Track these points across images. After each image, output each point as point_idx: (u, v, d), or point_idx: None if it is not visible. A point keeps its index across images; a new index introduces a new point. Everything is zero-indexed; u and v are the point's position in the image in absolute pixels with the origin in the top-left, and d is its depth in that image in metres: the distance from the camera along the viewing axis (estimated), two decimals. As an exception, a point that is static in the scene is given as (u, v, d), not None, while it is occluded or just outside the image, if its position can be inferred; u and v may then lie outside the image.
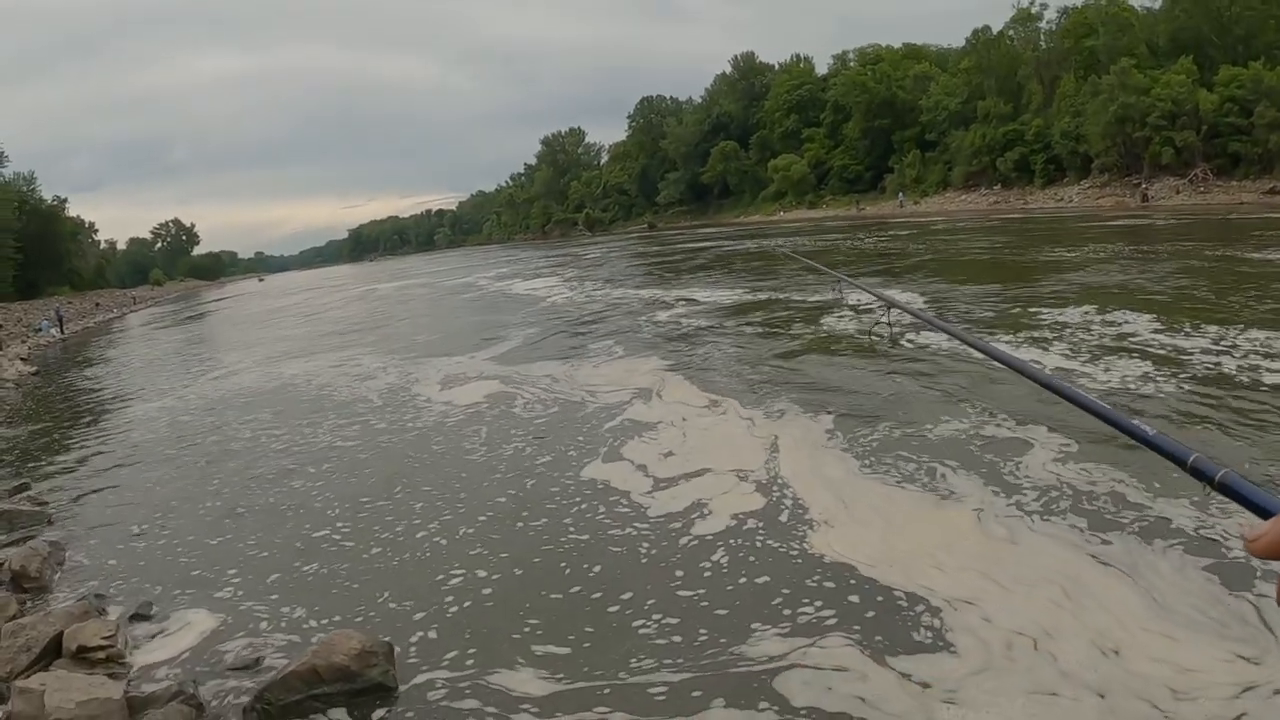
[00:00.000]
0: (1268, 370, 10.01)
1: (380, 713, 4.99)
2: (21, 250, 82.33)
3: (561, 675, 5.11)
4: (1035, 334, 13.58)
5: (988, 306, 17.19)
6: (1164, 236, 29.11)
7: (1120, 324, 13.60)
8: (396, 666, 5.34)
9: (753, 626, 5.43)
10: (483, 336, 21.75)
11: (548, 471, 9.22)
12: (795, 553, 6.52)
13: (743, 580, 6.16)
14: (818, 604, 5.67)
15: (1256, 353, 10.80)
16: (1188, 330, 12.50)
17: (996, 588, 5.63)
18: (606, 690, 4.93)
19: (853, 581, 5.95)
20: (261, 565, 7.48)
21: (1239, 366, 10.30)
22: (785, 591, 5.90)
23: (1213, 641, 4.75)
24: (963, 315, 16.22)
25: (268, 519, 8.76)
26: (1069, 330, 13.58)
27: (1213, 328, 12.42)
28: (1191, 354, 11.11)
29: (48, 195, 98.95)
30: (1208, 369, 10.35)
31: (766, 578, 6.15)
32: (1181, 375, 10.17)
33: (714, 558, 6.57)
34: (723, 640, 5.30)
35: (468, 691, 5.06)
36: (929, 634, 5.15)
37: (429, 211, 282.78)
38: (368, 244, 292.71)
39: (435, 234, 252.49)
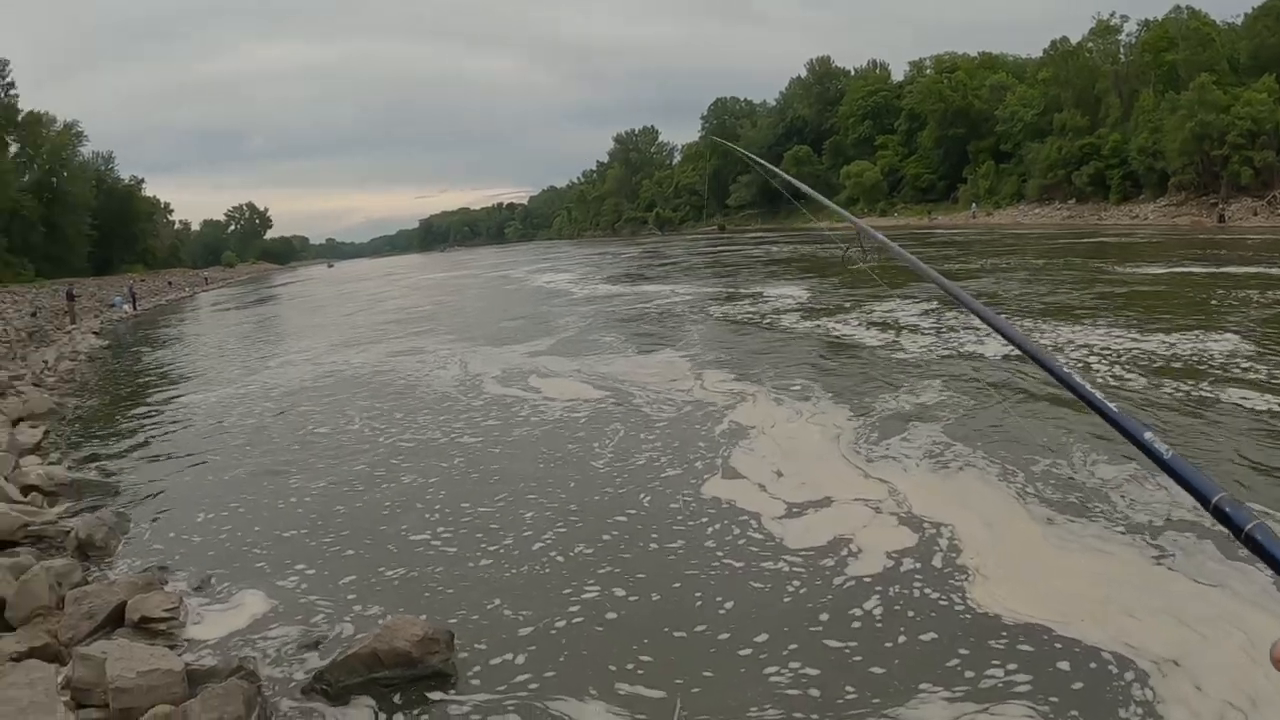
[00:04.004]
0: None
1: (437, 700, 5.01)
2: (98, 228, 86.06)
3: (645, 716, 4.73)
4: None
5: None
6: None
7: None
8: (456, 657, 5.37)
9: (914, 686, 4.80)
10: (562, 331, 21.92)
11: (662, 485, 8.71)
12: (957, 600, 5.81)
13: (900, 631, 5.46)
14: (993, 663, 4.97)
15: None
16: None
17: (1199, 640, 5.01)
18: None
19: (1028, 636, 5.25)
20: (323, 551, 7.57)
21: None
22: (951, 646, 5.22)
23: None
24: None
25: (331, 505, 8.85)
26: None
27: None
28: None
29: (125, 175, 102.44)
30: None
31: (928, 629, 5.46)
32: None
33: (868, 605, 5.83)
34: (875, 700, 4.72)
35: (529, 703, 4.93)
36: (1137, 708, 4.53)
37: (500, 204, 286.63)
38: (438, 234, 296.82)
39: (506, 227, 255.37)
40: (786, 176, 3.34)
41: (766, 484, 8.38)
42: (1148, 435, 1.34)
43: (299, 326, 33.44)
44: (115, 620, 5.99)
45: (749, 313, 22.66)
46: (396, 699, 5.04)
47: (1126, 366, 12.41)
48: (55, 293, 55.07)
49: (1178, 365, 12.21)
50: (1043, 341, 14.23)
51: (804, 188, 3.25)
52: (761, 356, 15.74)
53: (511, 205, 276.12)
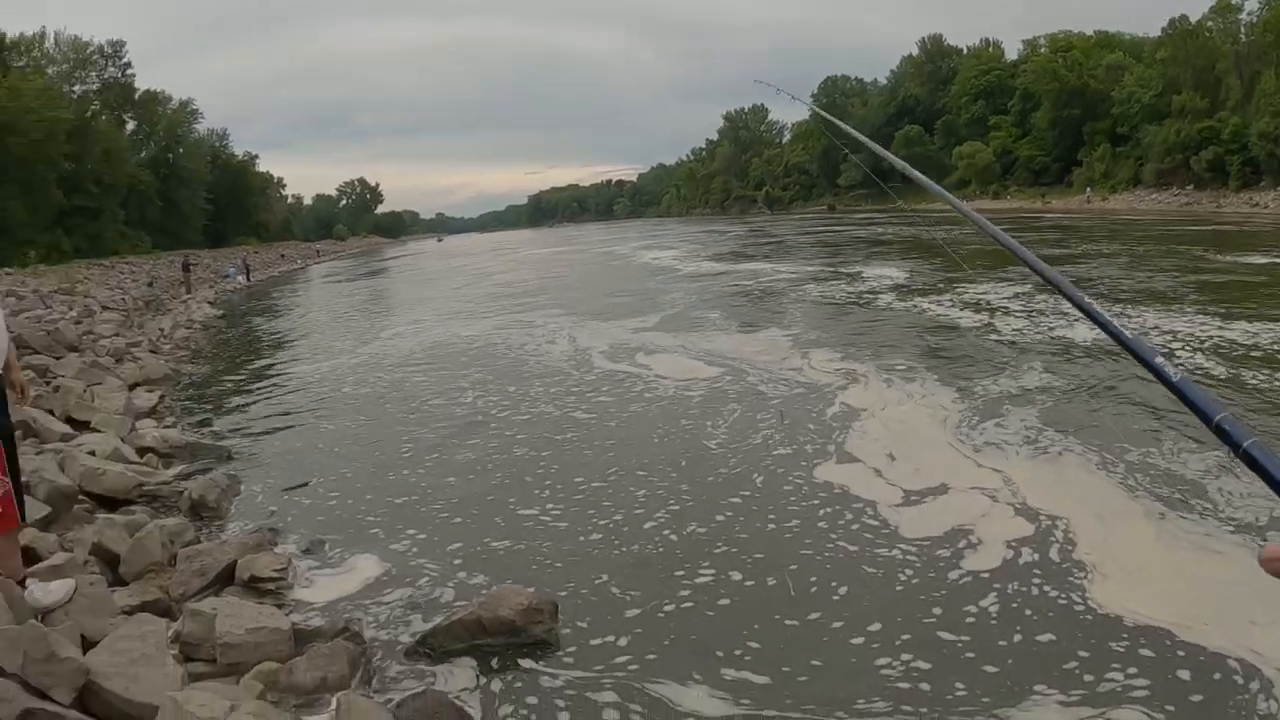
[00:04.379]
0: None
1: (538, 669, 4.98)
2: (212, 202, 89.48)
3: (749, 701, 4.55)
4: None
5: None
6: None
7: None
8: (559, 629, 5.33)
9: (1029, 687, 4.51)
10: (668, 307, 21.80)
11: (776, 466, 8.43)
12: (1075, 599, 5.45)
13: (1016, 628, 5.15)
14: (1112, 666, 4.64)
15: None
16: None
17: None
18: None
19: (1148, 639, 4.90)
20: (433, 519, 7.59)
21: None
22: (1068, 646, 4.87)
23: None
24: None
25: (443, 476, 8.87)
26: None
27: None
28: None
29: (239, 151, 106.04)
30: None
31: (1045, 628, 5.13)
32: None
33: (983, 601, 5.51)
34: (986, 699, 4.46)
35: (627, 683, 4.81)
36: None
37: (609, 181, 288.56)
38: (547, 211, 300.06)
39: (614, 204, 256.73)
40: (883, 152, 3.19)
41: (881, 468, 8.11)
42: (1158, 359, 1.44)
43: (409, 298, 33.97)
44: (225, 579, 6.08)
45: (852, 292, 22.33)
46: (497, 665, 5.03)
47: (1208, 353, 12.02)
48: (171, 264, 57.04)
49: (1257, 355, 11.73)
50: (1128, 325, 13.88)
51: (906, 167, 3.11)
52: (866, 336, 15.44)
53: (620, 182, 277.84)
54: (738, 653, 4.99)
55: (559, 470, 8.74)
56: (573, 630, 5.39)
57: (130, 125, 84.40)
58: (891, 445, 8.78)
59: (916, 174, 3.04)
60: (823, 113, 5.57)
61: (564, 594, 5.78)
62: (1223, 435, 1.27)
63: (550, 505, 7.71)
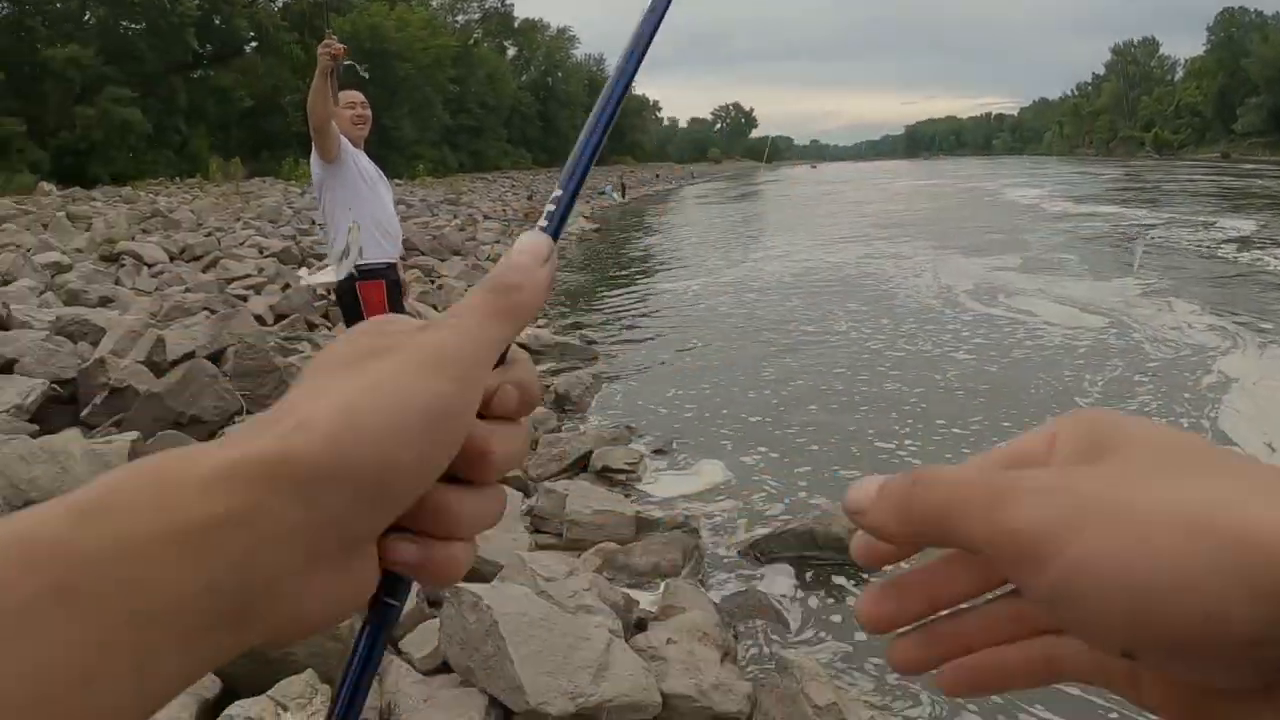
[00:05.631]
0: None
1: (855, 589, 5.07)
2: None
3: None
4: None
5: None
6: None
7: None
8: None
9: None
10: (1029, 248, 20.66)
11: None
12: None
13: None
14: None
15: None
16: None
17: None
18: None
19: None
20: (785, 440, 7.73)
21: None
22: None
23: None
24: None
25: (804, 401, 8.95)
26: None
27: None
28: None
29: None
30: None
31: None
32: None
33: None
34: None
35: None
36: None
37: (988, 115, 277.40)
38: (922, 142, 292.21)
39: (993, 139, 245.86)
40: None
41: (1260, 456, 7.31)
42: None
43: (779, 223, 34.24)
44: (580, 466, 6.65)
45: (1241, 254, 19.86)
46: (819, 578, 5.19)
47: None
48: (549, 179, 60.32)
49: None
50: None
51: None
52: (1247, 300, 13.71)
53: (1000, 116, 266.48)
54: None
55: (925, 410, 8.53)
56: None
57: (511, 51, 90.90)
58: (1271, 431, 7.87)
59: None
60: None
61: None
62: None
63: (909, 442, 7.63)
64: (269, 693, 3.02)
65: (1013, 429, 7.78)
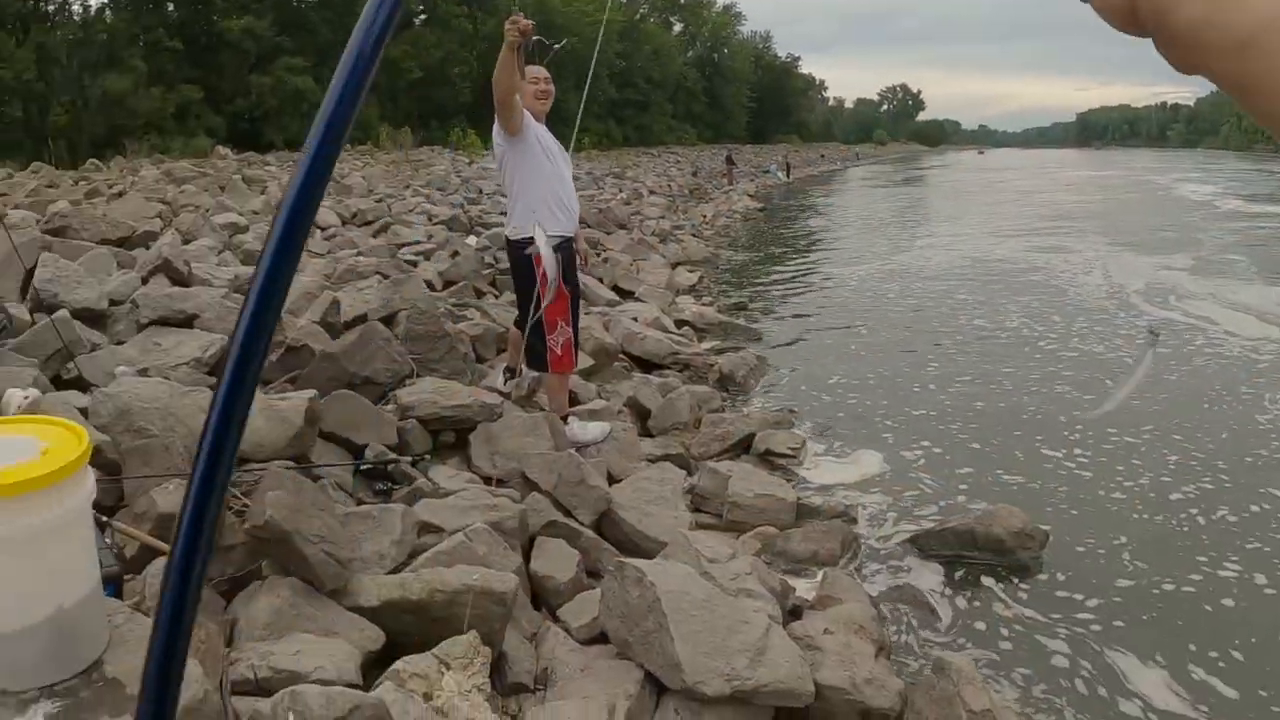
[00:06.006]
0: None
1: (1008, 594, 4.93)
2: (755, 100, 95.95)
3: (1205, 709, 4.05)
4: None
5: None
6: None
7: None
8: (1045, 558, 5.26)
9: None
10: (1199, 248, 19.41)
11: None
12: None
13: None
14: None
15: None
16: None
17: None
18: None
19: None
20: (948, 437, 7.55)
21: None
22: None
23: None
24: None
25: (969, 399, 8.69)
26: None
27: None
28: None
29: (781, 53, 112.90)
30: None
31: None
32: None
33: None
34: None
35: (1084, 639, 4.53)
36: None
37: (1163, 104, 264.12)
38: (1094, 130, 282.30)
39: (1168, 129, 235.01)
40: None
41: None
42: None
43: (944, 211, 33.47)
44: (742, 447, 6.63)
45: None
46: (974, 579, 5.07)
47: None
48: (714, 156, 60.57)
49: None
50: None
51: None
52: None
53: (1175, 106, 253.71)
54: (1216, 657, 4.44)
55: (1094, 420, 8.15)
56: (1052, 568, 5.24)
57: (677, 27, 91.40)
58: None
59: None
60: None
61: (1056, 533, 5.55)
62: None
63: (1077, 450, 7.28)
64: (433, 651, 3.08)
65: (1186, 444, 7.37)
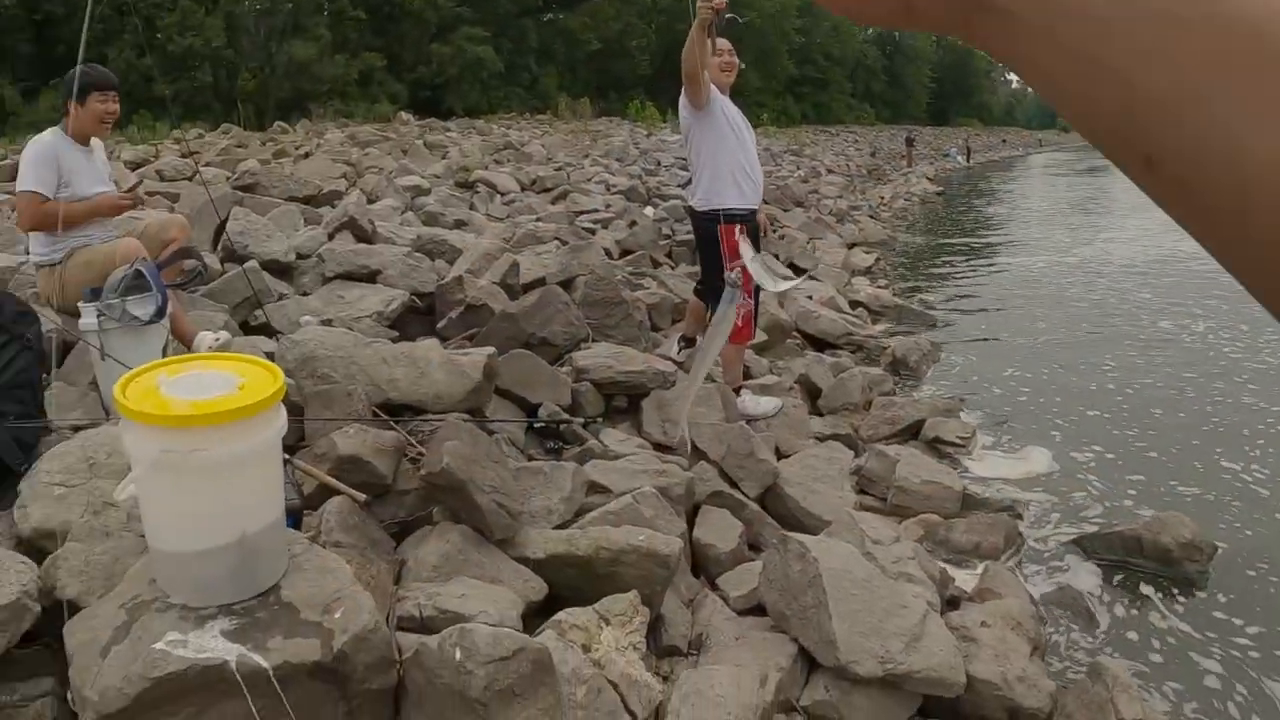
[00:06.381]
0: None
1: (1169, 606, 4.75)
2: (936, 81, 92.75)
3: None
4: None
5: None
6: None
7: None
8: (1211, 572, 5.02)
9: None
10: None
11: None
12: None
13: None
14: None
15: None
16: None
17: None
18: None
19: None
20: (1122, 442, 7.25)
21: None
22: None
23: None
24: None
25: (1147, 404, 8.25)
26: None
27: None
28: None
29: None
30: None
31: None
32: None
33: None
34: None
35: (1241, 662, 4.31)
36: None
37: None
38: None
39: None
40: None
41: None
42: None
43: (1130, 202, 31.89)
44: (911, 433, 6.57)
45: None
46: (1136, 586, 4.92)
47: None
48: (893, 137, 59.47)
49: None
50: None
51: None
52: None
53: None
54: None
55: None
56: (1217, 586, 5.00)
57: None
58: None
59: None
60: None
61: (1225, 549, 5.31)
62: None
63: (1257, 468, 6.81)
64: (595, 606, 3.17)
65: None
